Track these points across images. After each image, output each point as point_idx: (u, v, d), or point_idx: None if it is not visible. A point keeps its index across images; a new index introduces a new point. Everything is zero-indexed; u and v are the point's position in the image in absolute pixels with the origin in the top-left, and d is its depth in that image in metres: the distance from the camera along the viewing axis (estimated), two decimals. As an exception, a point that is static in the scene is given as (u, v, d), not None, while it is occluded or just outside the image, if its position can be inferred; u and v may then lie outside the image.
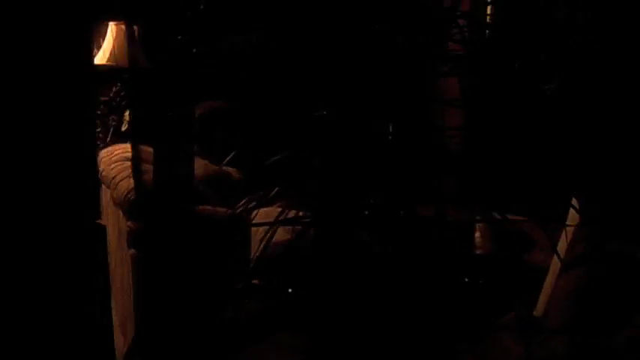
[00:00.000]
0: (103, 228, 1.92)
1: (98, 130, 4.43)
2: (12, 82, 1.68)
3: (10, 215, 1.72)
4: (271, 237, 1.79)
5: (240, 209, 1.77)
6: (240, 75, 1.77)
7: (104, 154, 3.74)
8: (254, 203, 1.84)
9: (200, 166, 3.48)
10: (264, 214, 2.78)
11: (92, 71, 1.91)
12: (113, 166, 3.45)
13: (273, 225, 1.80)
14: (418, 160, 1.71)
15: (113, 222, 3.64)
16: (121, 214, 3.23)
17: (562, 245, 2.65)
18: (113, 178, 3.33)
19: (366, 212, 1.70)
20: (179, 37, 1.56)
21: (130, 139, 3.49)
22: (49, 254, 1.74)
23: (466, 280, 2.16)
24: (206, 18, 1.66)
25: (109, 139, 4.55)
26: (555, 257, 2.62)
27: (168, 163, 1.65)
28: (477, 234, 3.04)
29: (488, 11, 3.63)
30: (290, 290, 1.84)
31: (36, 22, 1.67)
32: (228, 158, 3.19)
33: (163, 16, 1.64)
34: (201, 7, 1.60)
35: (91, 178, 1.72)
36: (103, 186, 3.75)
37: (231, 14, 1.69)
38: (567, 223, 2.64)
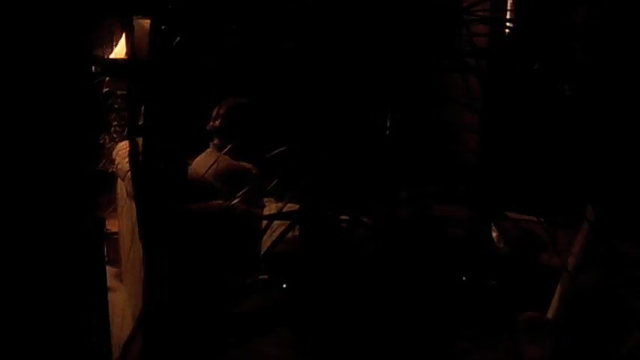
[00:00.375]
0: (101, 220, 1.91)
1: (115, 123, 4.46)
2: (7, 79, 1.68)
3: (5, 211, 1.72)
4: (264, 231, 1.78)
5: (234, 203, 1.76)
6: (238, 71, 1.76)
7: (120, 147, 3.75)
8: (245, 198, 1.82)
9: (220, 161, 3.48)
10: (275, 209, 2.76)
11: (90, 69, 1.90)
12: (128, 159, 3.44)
13: (271, 219, 1.79)
14: (417, 157, 1.69)
15: (128, 215, 3.65)
16: (134, 207, 3.23)
17: (576, 248, 2.62)
18: (128, 171, 3.33)
19: (362, 209, 1.67)
20: (163, 28, 1.55)
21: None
22: (44, 248, 1.73)
23: (465, 280, 2.12)
24: (191, 13, 1.65)
25: (125, 132, 4.57)
26: (570, 260, 2.59)
27: (155, 158, 1.64)
28: (495, 234, 3.00)
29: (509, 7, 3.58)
30: (284, 286, 1.83)
31: (32, 19, 1.66)
32: (226, 150, 3.19)
33: (149, 10, 1.63)
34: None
35: (87, 171, 1.72)
36: (119, 179, 3.76)
37: (221, 10, 1.68)
38: (582, 227, 2.61)
